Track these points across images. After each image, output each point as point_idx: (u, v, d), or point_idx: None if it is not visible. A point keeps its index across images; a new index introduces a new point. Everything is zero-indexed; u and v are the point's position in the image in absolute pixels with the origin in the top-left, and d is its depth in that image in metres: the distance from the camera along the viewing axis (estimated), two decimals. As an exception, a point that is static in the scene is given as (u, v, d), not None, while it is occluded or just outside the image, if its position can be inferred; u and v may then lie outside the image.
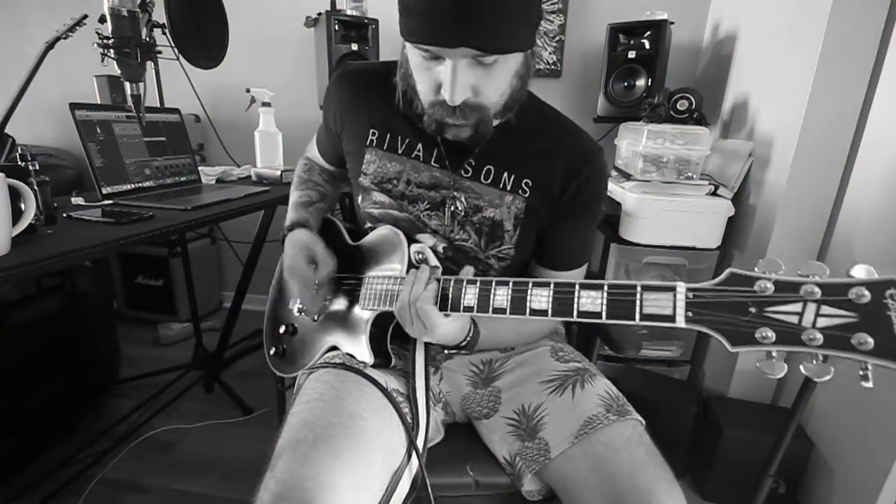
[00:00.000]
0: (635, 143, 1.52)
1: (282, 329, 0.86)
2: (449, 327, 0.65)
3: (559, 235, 0.78)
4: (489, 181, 0.75)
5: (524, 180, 0.74)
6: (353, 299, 0.77)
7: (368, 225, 0.81)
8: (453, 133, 0.67)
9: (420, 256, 0.70)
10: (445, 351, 0.83)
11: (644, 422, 0.69)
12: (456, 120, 0.64)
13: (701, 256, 1.44)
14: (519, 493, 0.71)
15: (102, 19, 1.01)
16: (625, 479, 0.59)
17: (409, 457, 0.66)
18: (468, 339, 0.71)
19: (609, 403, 0.69)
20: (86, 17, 1.09)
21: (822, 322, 0.41)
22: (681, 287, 0.48)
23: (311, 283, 0.79)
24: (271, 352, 0.88)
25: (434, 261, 0.70)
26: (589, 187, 0.74)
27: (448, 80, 0.60)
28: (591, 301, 0.53)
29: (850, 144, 1.23)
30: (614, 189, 1.55)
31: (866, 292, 0.39)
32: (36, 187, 0.85)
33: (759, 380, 1.42)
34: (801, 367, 0.42)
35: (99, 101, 1.85)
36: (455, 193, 0.75)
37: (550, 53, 1.95)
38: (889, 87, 1.14)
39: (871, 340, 0.38)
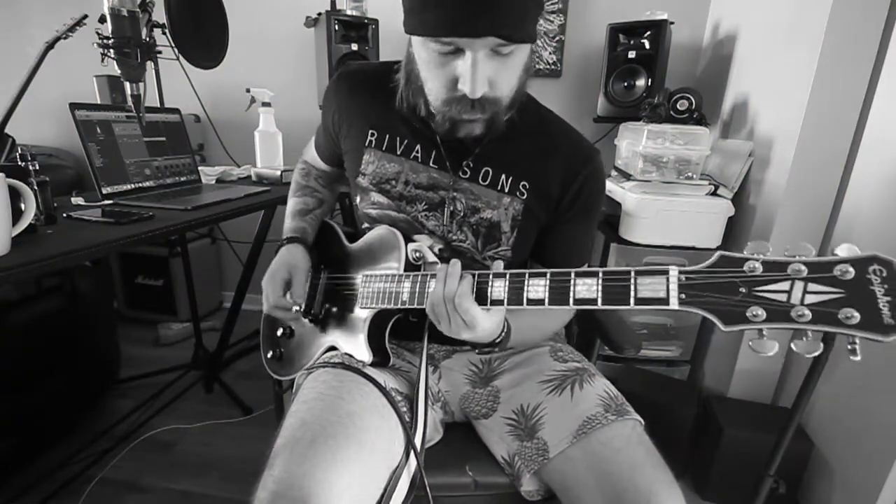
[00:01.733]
0: (635, 143, 1.52)
1: (279, 332, 0.86)
2: (489, 322, 0.62)
3: (561, 238, 0.78)
4: (487, 183, 0.75)
5: (522, 182, 0.74)
6: (351, 299, 0.77)
7: (366, 225, 0.81)
8: (466, 130, 0.68)
9: (417, 254, 0.70)
10: (476, 350, 0.79)
11: (643, 422, 0.69)
12: (472, 115, 0.64)
13: (701, 256, 1.41)
14: (518, 493, 0.71)
15: (102, 19, 1.01)
16: (624, 478, 0.59)
17: (408, 456, 0.66)
18: (502, 334, 0.68)
19: (608, 403, 0.69)
20: (86, 17, 1.09)
21: (809, 299, 0.42)
22: (673, 270, 0.49)
23: (281, 306, 0.82)
24: (268, 355, 0.88)
25: (432, 258, 0.70)
26: (587, 189, 0.74)
27: (468, 72, 0.59)
28: (586, 288, 0.54)
29: (850, 144, 1.22)
30: (614, 189, 1.55)
31: (850, 269, 0.41)
32: (36, 187, 0.85)
33: (759, 380, 1.42)
34: (792, 345, 0.44)
35: (99, 101, 1.85)
36: (454, 194, 0.75)
37: (550, 53, 1.94)
38: (889, 87, 1.14)
39: (856, 314, 0.40)
